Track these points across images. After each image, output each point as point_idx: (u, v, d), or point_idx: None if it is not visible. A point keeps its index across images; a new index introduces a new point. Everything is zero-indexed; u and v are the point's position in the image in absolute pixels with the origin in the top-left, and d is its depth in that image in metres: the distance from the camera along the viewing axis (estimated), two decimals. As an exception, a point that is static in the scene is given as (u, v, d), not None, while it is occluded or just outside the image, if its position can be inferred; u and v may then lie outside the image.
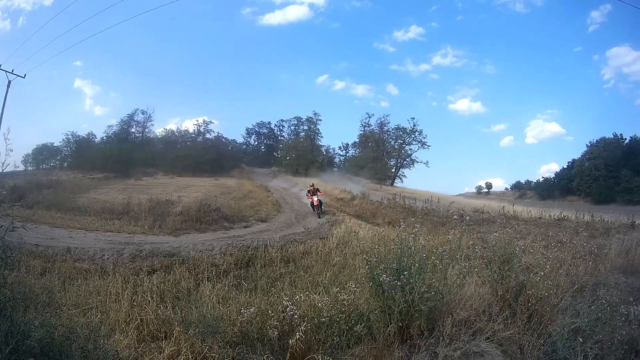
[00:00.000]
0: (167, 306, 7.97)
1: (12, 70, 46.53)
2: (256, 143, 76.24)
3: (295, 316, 7.21)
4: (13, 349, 5.07)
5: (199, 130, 71.49)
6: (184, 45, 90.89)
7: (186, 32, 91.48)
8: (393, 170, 67.16)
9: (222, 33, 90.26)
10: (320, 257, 15.00)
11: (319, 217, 27.37)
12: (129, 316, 7.67)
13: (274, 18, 79.02)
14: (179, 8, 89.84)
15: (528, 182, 68.73)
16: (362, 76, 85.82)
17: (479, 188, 70.40)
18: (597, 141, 61.47)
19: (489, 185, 69.98)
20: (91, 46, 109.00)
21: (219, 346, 6.77)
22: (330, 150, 69.03)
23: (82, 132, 75.10)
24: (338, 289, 8.23)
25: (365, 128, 70.43)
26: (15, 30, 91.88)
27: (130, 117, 73.15)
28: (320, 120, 70.05)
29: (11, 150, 6.53)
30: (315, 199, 29.97)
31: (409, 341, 7.41)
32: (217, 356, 6.53)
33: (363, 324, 7.51)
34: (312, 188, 31.11)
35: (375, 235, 11.87)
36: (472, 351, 7.03)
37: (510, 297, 8.16)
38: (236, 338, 7.20)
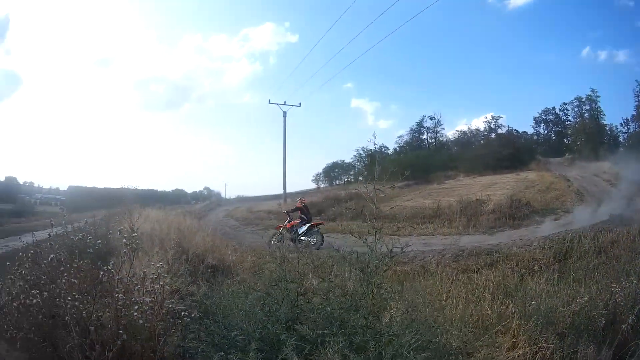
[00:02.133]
0: (501, 301, 8.25)
1: (285, 102, 50.68)
2: (545, 132, 73.99)
3: (622, 303, 7.24)
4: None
5: (489, 127, 71.17)
6: (445, 45, 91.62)
7: (443, 33, 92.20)
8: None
9: (477, 26, 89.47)
10: (626, 245, 14.49)
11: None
12: (465, 312, 7.82)
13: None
14: (433, 10, 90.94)
15: None
16: (620, 41, 79.82)
17: None
18: None
19: None
20: (356, 68, 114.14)
21: (553, 337, 6.68)
22: (614, 129, 64.76)
23: (372, 146, 78.70)
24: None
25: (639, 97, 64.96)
26: (267, 69, 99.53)
27: (419, 124, 74.97)
28: (598, 97, 66.02)
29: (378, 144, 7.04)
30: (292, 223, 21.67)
31: None
32: (553, 347, 6.47)
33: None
34: (299, 204, 23.05)
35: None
36: None
37: None
38: (566, 329, 7.06)
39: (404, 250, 6.22)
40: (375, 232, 6.04)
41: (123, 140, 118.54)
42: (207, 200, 64.56)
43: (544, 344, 6.53)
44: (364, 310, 5.66)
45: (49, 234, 7.52)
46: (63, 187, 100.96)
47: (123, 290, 5.89)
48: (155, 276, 6.22)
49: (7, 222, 44.86)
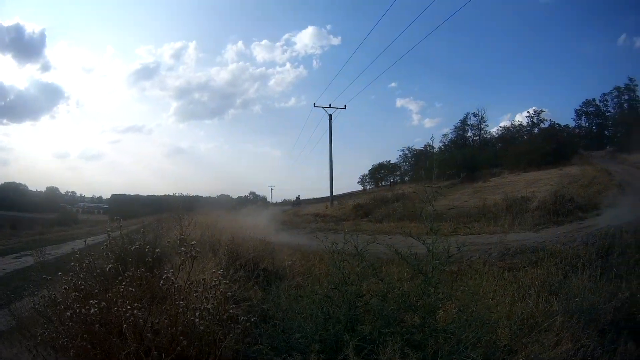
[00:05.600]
0: (546, 299, 8.30)
1: (330, 105, 51.78)
2: (587, 124, 73.23)
3: None
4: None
5: (532, 122, 71.01)
6: (486, 40, 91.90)
7: (484, 28, 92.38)
8: None
9: (514, 19, 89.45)
10: None
11: None
12: (511, 310, 7.64)
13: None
14: (472, 6, 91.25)
15: None
16: None
17: None
18: None
19: None
20: (399, 67, 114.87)
21: (595, 334, 6.71)
22: None
23: (417, 145, 79.38)
24: None
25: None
26: (312, 73, 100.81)
27: (463, 122, 75.35)
28: (636, 85, 65.12)
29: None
30: None
31: None
32: (594, 343, 6.40)
33: None
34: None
35: None
36: None
37: None
38: (607, 326, 7.10)
39: (461, 250, 6.52)
40: (433, 233, 6.10)
41: (168, 148, 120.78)
42: (253, 204, 65.35)
43: (585, 341, 6.48)
44: (421, 310, 5.81)
45: (105, 244, 7.78)
46: (106, 195, 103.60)
47: (182, 297, 6.04)
48: (216, 282, 6.42)
49: (50, 230, 46.16)
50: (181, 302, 5.96)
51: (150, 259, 7.13)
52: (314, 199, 71.52)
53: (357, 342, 5.36)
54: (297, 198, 49.89)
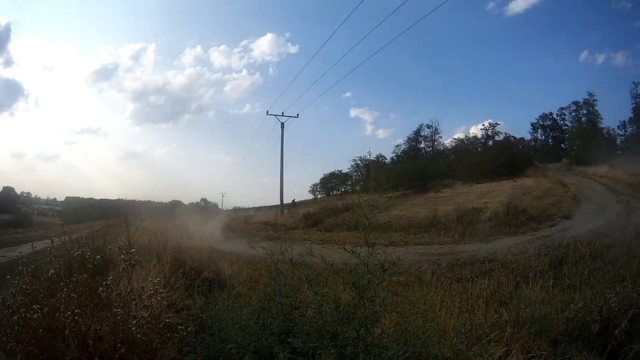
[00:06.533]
0: (496, 309, 8.20)
1: (282, 113, 52.04)
2: (543, 137, 74.54)
3: (615, 308, 7.17)
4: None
5: (487, 134, 71.89)
6: (444, 53, 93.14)
7: (443, 41, 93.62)
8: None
9: (476, 33, 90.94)
10: (622, 249, 14.41)
11: None
12: (458, 321, 7.62)
13: (518, 5, 78.47)
14: (431, 20, 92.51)
15: None
16: (618, 43, 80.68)
17: None
18: None
19: None
20: (355, 78, 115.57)
21: (546, 344, 6.71)
22: (611, 132, 64.25)
23: (369, 156, 79.79)
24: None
25: (637, 99, 64.30)
26: (267, 80, 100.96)
27: (416, 133, 76.03)
28: (596, 100, 66.37)
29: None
30: None
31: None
32: (546, 354, 6.45)
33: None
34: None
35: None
36: None
37: None
38: (560, 336, 7.09)
39: (396, 263, 5.98)
40: (368, 246, 5.88)
41: (122, 152, 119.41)
42: (204, 211, 64.83)
43: (537, 352, 6.49)
44: (355, 323, 5.62)
45: (49, 249, 7.50)
46: (60, 197, 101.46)
47: (121, 304, 6.08)
48: (152, 291, 6.50)
49: (5, 232, 44.59)
50: (119, 310, 5.99)
51: (91, 266, 6.96)
52: (265, 206, 71.46)
53: (289, 355, 5.35)
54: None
